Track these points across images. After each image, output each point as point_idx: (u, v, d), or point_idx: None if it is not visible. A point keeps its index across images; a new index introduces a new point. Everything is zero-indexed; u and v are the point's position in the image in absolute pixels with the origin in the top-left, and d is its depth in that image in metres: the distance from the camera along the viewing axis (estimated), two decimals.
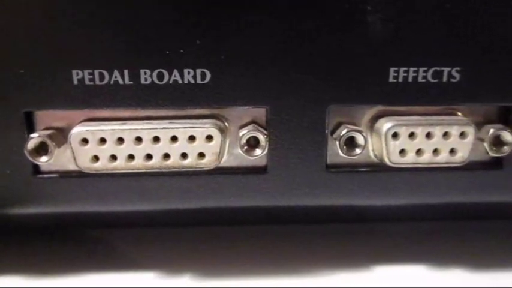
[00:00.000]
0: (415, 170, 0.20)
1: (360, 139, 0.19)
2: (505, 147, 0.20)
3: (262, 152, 0.19)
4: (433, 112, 0.20)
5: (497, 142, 0.20)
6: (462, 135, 0.19)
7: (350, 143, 0.20)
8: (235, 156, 0.20)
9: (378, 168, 0.20)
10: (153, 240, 0.22)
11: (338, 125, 0.20)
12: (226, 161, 0.20)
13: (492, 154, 0.20)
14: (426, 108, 0.20)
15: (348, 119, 0.20)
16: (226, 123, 0.20)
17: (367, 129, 0.20)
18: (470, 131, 0.19)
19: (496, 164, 0.21)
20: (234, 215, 0.21)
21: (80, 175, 0.19)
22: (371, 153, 0.20)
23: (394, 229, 0.23)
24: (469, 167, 0.20)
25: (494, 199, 0.21)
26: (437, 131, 0.19)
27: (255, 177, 0.20)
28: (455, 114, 0.20)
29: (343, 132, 0.19)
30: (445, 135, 0.19)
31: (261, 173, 0.20)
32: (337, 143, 0.19)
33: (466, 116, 0.20)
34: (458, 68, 0.19)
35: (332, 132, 0.20)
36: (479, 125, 0.20)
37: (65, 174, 0.20)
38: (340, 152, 0.19)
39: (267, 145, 0.19)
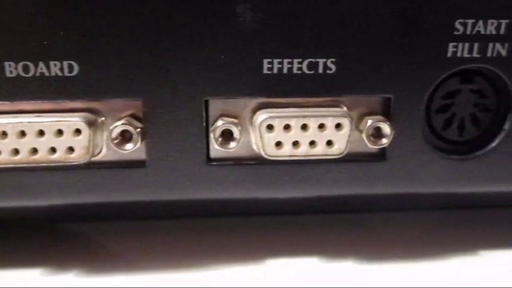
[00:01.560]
0: (296, 163, 0.20)
1: (235, 132, 0.19)
2: (384, 139, 0.20)
3: (134, 146, 0.19)
4: (316, 104, 0.20)
5: (378, 134, 0.20)
6: (338, 127, 0.19)
7: (229, 136, 0.19)
8: (114, 150, 0.20)
9: (261, 161, 0.20)
10: (33, 237, 0.22)
11: (218, 118, 0.20)
12: (105, 155, 0.20)
13: (370, 146, 0.20)
14: (308, 100, 0.20)
15: (231, 112, 0.20)
16: (101, 117, 0.19)
17: (248, 121, 0.20)
18: (346, 122, 0.19)
19: (380, 155, 0.20)
20: (113, 209, 0.21)
21: None
22: (254, 146, 0.20)
23: (280, 222, 0.23)
24: (353, 158, 0.20)
25: (379, 191, 0.21)
26: (312, 123, 0.19)
27: (134, 172, 0.20)
28: (339, 106, 0.20)
29: (219, 124, 0.19)
30: (321, 127, 0.19)
31: (140, 167, 0.20)
32: (212, 135, 0.19)
33: (350, 108, 0.20)
34: (333, 60, 0.19)
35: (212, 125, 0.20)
36: (362, 117, 0.20)
37: None
38: (215, 144, 0.19)
39: (140, 139, 0.19)
